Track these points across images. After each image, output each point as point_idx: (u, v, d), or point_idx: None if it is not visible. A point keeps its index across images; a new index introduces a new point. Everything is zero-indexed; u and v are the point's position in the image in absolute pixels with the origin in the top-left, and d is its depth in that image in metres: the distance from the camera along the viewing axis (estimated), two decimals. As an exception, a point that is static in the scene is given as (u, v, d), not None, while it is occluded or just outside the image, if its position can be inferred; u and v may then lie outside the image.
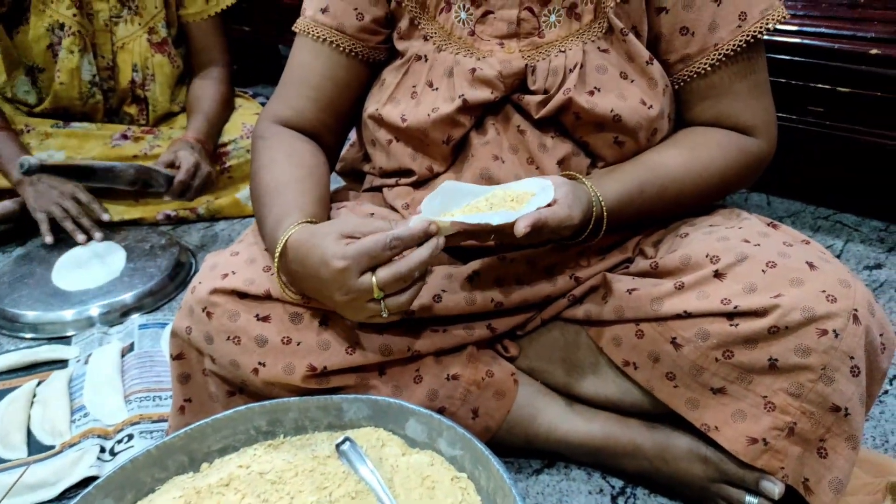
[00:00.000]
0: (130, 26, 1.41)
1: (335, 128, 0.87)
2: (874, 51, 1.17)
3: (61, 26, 1.35)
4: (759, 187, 1.52)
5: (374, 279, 0.62)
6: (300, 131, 0.84)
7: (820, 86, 1.23)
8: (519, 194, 0.67)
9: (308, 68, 0.83)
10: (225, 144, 1.46)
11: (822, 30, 1.23)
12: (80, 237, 1.27)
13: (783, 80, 1.25)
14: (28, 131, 1.42)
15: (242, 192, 1.47)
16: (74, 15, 1.35)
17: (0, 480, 0.81)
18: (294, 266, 0.68)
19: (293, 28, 0.84)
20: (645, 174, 0.75)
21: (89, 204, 1.32)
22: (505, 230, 0.65)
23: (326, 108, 0.84)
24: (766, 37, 0.75)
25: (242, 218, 1.48)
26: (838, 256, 1.27)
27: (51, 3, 1.33)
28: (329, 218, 0.80)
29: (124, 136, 1.44)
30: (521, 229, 0.63)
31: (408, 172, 0.83)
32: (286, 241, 0.68)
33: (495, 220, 0.63)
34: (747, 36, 0.73)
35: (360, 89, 0.85)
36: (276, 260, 0.69)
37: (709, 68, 0.75)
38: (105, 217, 1.32)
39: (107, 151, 1.41)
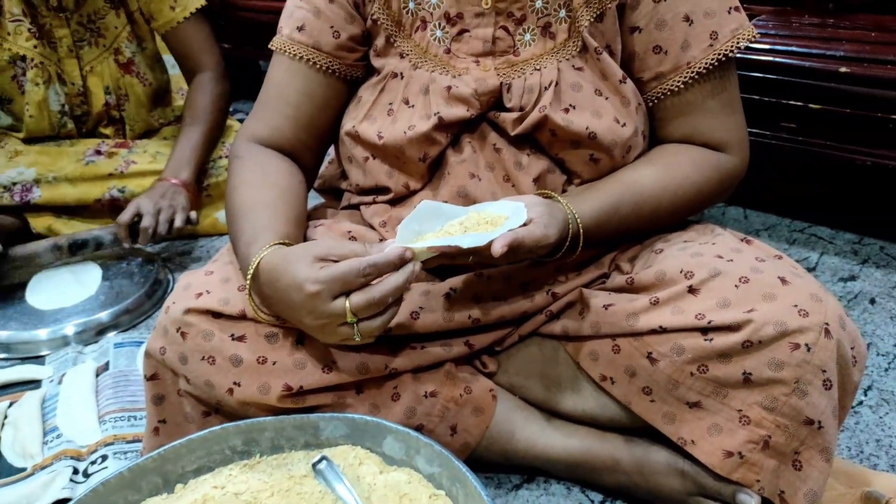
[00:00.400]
0: (95, 49, 1.39)
1: (313, 146, 0.87)
2: (843, 69, 1.19)
3: (23, 58, 1.33)
4: (736, 201, 1.54)
5: (347, 304, 0.62)
6: (278, 150, 0.84)
7: (792, 102, 1.26)
8: (494, 217, 0.67)
9: (285, 86, 0.83)
10: (204, 163, 1.45)
11: (794, 48, 1.26)
12: None
13: (756, 97, 1.28)
14: None
15: (221, 212, 1.46)
16: (35, 46, 1.32)
17: (-32, 505, 0.79)
18: (266, 289, 0.67)
19: (270, 46, 0.84)
20: (621, 192, 0.76)
21: None
22: (481, 251, 0.65)
23: (304, 126, 0.84)
24: (738, 55, 0.77)
25: (220, 235, 1.47)
26: (813, 269, 1.29)
27: (8, 37, 1.31)
28: (305, 238, 0.79)
29: (98, 152, 1.42)
30: (497, 250, 0.63)
31: (384, 190, 0.83)
32: (258, 262, 0.68)
33: (466, 242, 0.63)
34: (719, 55, 0.75)
35: (338, 107, 0.85)
36: (248, 282, 0.69)
37: (682, 86, 0.76)
38: None
39: (80, 169, 1.39)
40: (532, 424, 0.79)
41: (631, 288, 0.75)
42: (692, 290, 0.70)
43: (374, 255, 0.63)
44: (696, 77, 0.76)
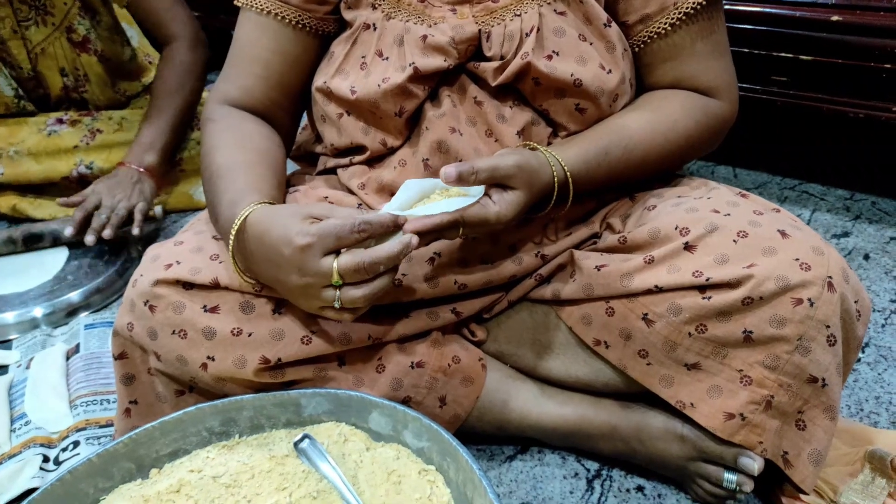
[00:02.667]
0: (44, 28, 1.27)
1: (287, 106, 0.82)
2: (835, 17, 1.16)
3: None
4: (725, 160, 1.51)
5: (335, 263, 0.58)
6: (251, 111, 0.79)
7: (782, 55, 1.22)
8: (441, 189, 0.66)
9: (253, 44, 0.78)
10: (176, 143, 1.36)
11: (783, -3, 1.22)
12: None
13: (745, 50, 1.24)
14: None
15: (194, 187, 1.40)
16: None
17: (-69, 498, 0.75)
18: (251, 245, 0.63)
19: (235, 2, 0.79)
20: (608, 137, 0.72)
21: None
22: (467, 223, 0.63)
23: (276, 85, 0.79)
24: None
25: (194, 211, 1.41)
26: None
27: None
28: (285, 202, 0.75)
29: (60, 121, 1.34)
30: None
31: (360, 149, 0.78)
32: (245, 217, 0.64)
33: (451, 206, 0.61)
34: None
35: (310, 64, 0.80)
36: (231, 239, 0.64)
37: (669, 28, 0.73)
38: None
39: (43, 142, 1.31)
40: (524, 393, 0.76)
41: (624, 247, 0.72)
42: (688, 246, 0.66)
43: (369, 215, 0.59)
44: (684, 18, 0.72)
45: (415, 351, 0.73)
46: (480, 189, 0.64)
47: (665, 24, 0.73)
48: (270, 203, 0.66)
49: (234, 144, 0.74)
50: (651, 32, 0.74)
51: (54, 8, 1.26)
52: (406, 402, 0.73)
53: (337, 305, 0.60)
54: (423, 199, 0.66)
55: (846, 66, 1.17)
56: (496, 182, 0.65)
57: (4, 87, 1.30)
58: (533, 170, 0.66)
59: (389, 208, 0.63)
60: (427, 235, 0.63)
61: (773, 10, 1.21)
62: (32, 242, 1.18)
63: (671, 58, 0.75)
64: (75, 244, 1.20)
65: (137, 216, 1.14)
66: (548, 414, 0.76)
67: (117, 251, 1.20)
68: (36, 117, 1.35)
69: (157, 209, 1.18)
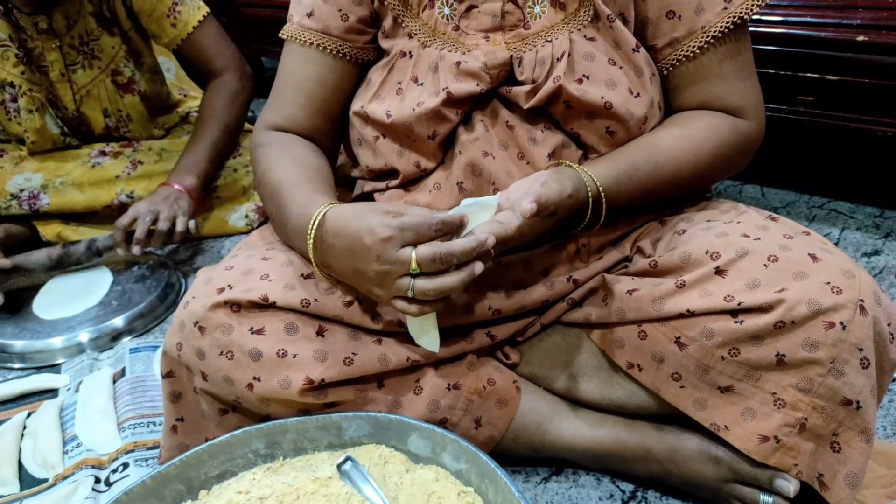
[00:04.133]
0: (90, 71, 1.34)
1: (328, 131, 0.86)
2: (861, 38, 1.16)
3: (11, 84, 1.30)
4: (752, 178, 1.51)
5: (413, 253, 0.62)
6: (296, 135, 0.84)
7: (809, 75, 1.23)
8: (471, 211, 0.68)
9: (297, 73, 0.83)
10: (217, 167, 1.41)
11: (808, 19, 1.23)
12: None
13: (772, 71, 1.25)
14: (1, 155, 1.39)
15: (229, 213, 1.44)
16: (23, 73, 1.29)
17: (-9, 518, 0.78)
18: (330, 238, 0.67)
19: (280, 35, 0.84)
20: (637, 153, 0.74)
21: None
22: (523, 233, 0.66)
23: (318, 112, 0.84)
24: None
25: (228, 236, 1.45)
26: (835, 245, 1.26)
27: None
28: None
29: (103, 153, 1.40)
30: (524, 207, 0.63)
31: (394, 173, 0.81)
32: (324, 213, 0.68)
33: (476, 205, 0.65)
34: (734, 17, 0.73)
35: (350, 91, 0.85)
36: (310, 233, 0.68)
37: (697, 51, 0.75)
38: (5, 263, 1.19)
39: (87, 173, 1.38)
40: (558, 415, 0.78)
41: (655, 271, 0.73)
42: (719, 271, 0.68)
43: (443, 214, 0.63)
44: (712, 41, 0.74)
45: (451, 373, 0.75)
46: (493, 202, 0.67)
47: (693, 47, 0.75)
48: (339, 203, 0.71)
49: (291, 162, 0.79)
50: (679, 55, 0.76)
51: (102, 52, 1.33)
52: (442, 423, 0.75)
53: (410, 294, 0.63)
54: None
55: (872, 85, 1.17)
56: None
57: (52, 126, 1.37)
58: (575, 193, 0.69)
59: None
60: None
61: (799, 32, 1.22)
62: (69, 260, 1.22)
63: (699, 80, 0.77)
64: (121, 266, 1.26)
65: (181, 219, 1.19)
66: (581, 436, 0.77)
67: (159, 277, 1.24)
68: (79, 150, 1.41)
69: (192, 223, 1.22)
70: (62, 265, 1.22)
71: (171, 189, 1.25)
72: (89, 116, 1.39)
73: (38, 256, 1.22)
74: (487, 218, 0.66)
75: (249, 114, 1.83)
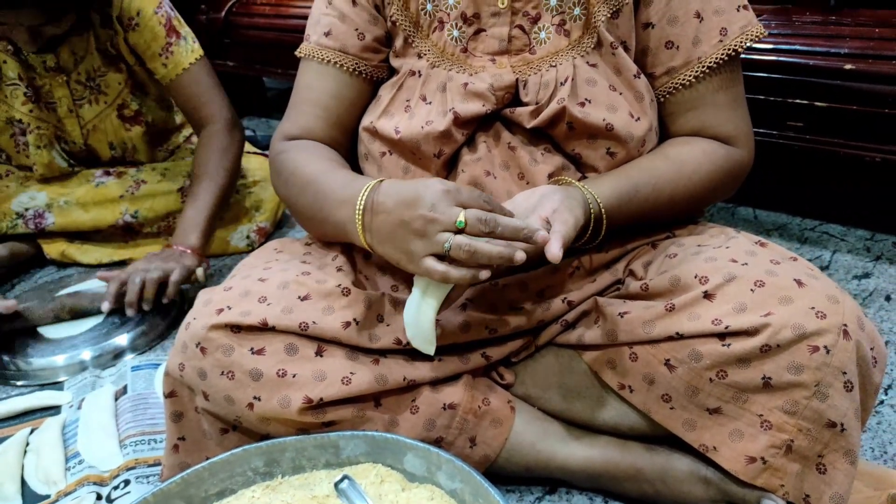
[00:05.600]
0: (96, 106, 1.35)
1: (345, 144, 0.90)
2: (848, 66, 1.19)
3: (19, 121, 1.32)
4: (745, 201, 1.53)
5: (463, 212, 0.64)
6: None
7: (798, 101, 1.26)
8: None
9: (314, 89, 0.87)
10: (215, 220, 1.38)
11: (797, 47, 1.26)
12: None
13: (762, 97, 1.28)
14: (7, 175, 1.41)
15: (232, 234, 1.46)
16: (31, 111, 1.31)
17: (-6, 534, 0.79)
18: (382, 196, 0.69)
19: (297, 53, 0.88)
20: (638, 174, 0.77)
21: None
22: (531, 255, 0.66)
23: (335, 125, 0.87)
24: (743, 55, 0.79)
25: (230, 255, 1.47)
26: (826, 267, 1.28)
27: (5, 99, 1.30)
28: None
29: (107, 173, 1.42)
30: (554, 253, 0.63)
31: None
32: (380, 181, 0.71)
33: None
34: (728, 50, 0.77)
35: (365, 107, 0.88)
36: (363, 195, 0.71)
37: (693, 80, 0.78)
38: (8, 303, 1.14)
39: (91, 192, 1.40)
40: (552, 435, 0.79)
41: (646, 294, 0.75)
42: (707, 295, 0.70)
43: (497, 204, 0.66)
44: (707, 71, 0.78)
45: (447, 393, 0.77)
46: None
47: (690, 76, 0.78)
48: None
49: (318, 157, 0.83)
50: (676, 84, 0.79)
51: (108, 88, 1.35)
52: (438, 442, 0.76)
53: (447, 248, 0.64)
54: None
55: (860, 112, 1.20)
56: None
57: (59, 160, 1.39)
58: (580, 214, 0.71)
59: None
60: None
61: (789, 59, 1.25)
62: (78, 315, 1.20)
63: (694, 108, 0.80)
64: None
65: (171, 284, 1.15)
66: (574, 456, 0.79)
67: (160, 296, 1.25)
68: (84, 171, 1.43)
69: (199, 271, 1.20)
70: (62, 320, 1.19)
71: (174, 250, 1.22)
72: (96, 149, 1.41)
73: (43, 313, 1.18)
74: None
75: (249, 133, 1.84)
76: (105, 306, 1.16)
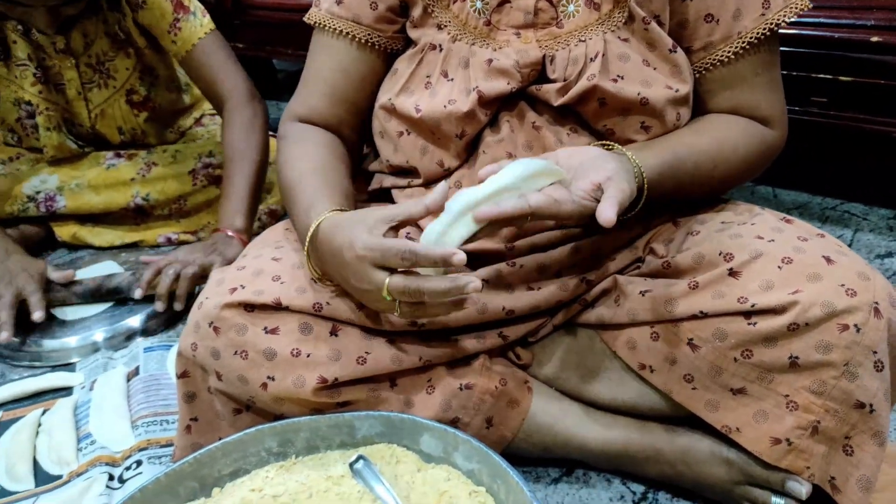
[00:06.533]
0: (105, 90, 1.34)
1: (353, 122, 0.86)
2: (875, 38, 1.15)
3: (28, 102, 1.31)
4: (764, 180, 1.50)
5: (387, 280, 0.62)
6: (320, 127, 0.85)
7: (822, 76, 1.22)
8: (538, 172, 0.65)
9: (323, 64, 0.84)
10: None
11: (821, 19, 1.22)
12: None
13: (784, 72, 1.23)
14: (18, 157, 1.40)
15: None
16: (40, 92, 1.30)
17: (8, 514, 0.79)
18: (323, 248, 0.68)
19: (306, 19, 0.84)
20: (680, 149, 0.74)
21: (31, 305, 1.10)
22: (537, 214, 0.63)
23: (342, 102, 0.84)
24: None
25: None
26: (848, 246, 1.25)
27: (14, 79, 1.29)
28: (355, 208, 0.78)
29: (118, 155, 1.41)
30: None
31: (415, 172, 0.81)
32: (318, 224, 0.69)
33: (516, 172, 0.63)
34: (770, 24, 0.73)
35: (375, 82, 0.84)
36: (307, 243, 0.70)
37: (732, 56, 0.75)
38: (37, 316, 1.09)
39: (102, 175, 1.39)
40: (570, 416, 0.78)
41: (667, 272, 0.73)
42: (732, 272, 0.67)
43: (416, 245, 0.61)
44: (747, 47, 0.74)
45: (463, 373, 0.76)
46: (533, 167, 0.64)
47: (729, 52, 0.74)
48: (340, 210, 0.71)
49: (304, 158, 0.80)
50: (714, 59, 0.76)
51: (117, 72, 1.33)
52: (454, 422, 0.75)
53: (397, 314, 0.63)
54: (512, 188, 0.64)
55: (886, 86, 1.16)
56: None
57: (68, 142, 1.39)
58: (631, 184, 0.67)
59: (460, 199, 0.63)
60: (495, 224, 0.64)
61: (812, 33, 1.22)
62: (109, 295, 1.19)
63: (732, 86, 0.77)
64: (135, 266, 1.26)
65: (218, 264, 1.12)
66: (593, 437, 0.77)
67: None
68: (96, 153, 1.42)
69: None
70: (94, 300, 1.19)
71: (222, 235, 1.20)
72: (105, 133, 1.40)
73: (80, 289, 1.18)
74: (544, 185, 0.65)
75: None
76: (137, 293, 1.14)
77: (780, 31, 1.23)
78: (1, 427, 0.93)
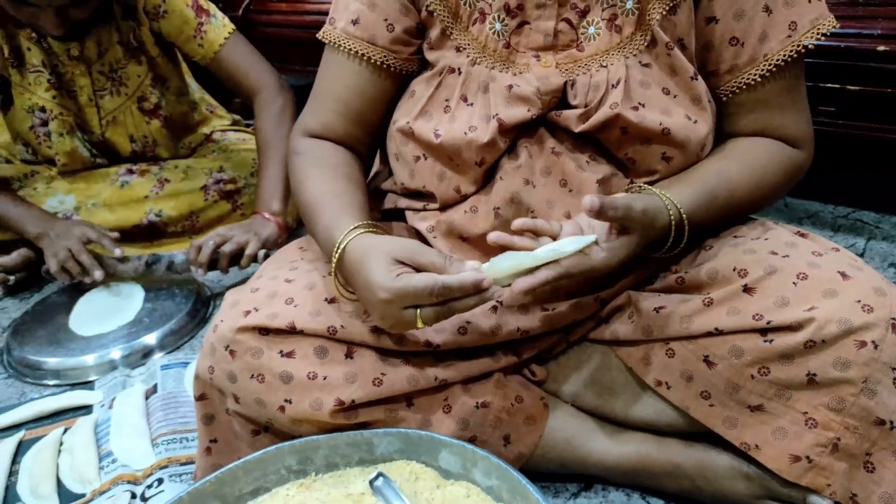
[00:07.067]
0: (117, 98, 1.37)
1: (364, 140, 0.87)
2: (881, 47, 1.16)
3: (42, 108, 1.33)
4: (774, 190, 1.50)
5: (418, 312, 0.64)
6: (332, 141, 0.85)
7: (830, 85, 1.22)
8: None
9: (337, 82, 0.83)
10: (235, 182, 1.45)
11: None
12: (87, 279, 1.22)
13: (793, 82, 1.24)
14: (32, 175, 1.42)
15: None
16: (54, 97, 1.32)
17: (32, 533, 0.80)
18: (348, 271, 0.70)
19: (320, 37, 0.83)
20: (714, 180, 0.73)
21: (99, 240, 1.23)
22: (572, 274, 0.64)
23: (355, 122, 0.84)
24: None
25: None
26: (861, 255, 1.25)
27: (28, 86, 1.31)
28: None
29: (130, 171, 1.43)
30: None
31: (429, 196, 0.81)
32: (343, 247, 0.70)
33: (542, 256, 0.64)
34: (797, 46, 0.72)
35: (389, 102, 0.84)
36: (333, 262, 0.71)
37: (759, 79, 0.74)
38: (117, 252, 1.24)
39: (117, 193, 1.41)
40: (586, 432, 0.78)
41: (681, 287, 0.74)
42: (747, 289, 0.68)
43: (450, 278, 0.62)
44: (774, 70, 0.73)
45: (479, 392, 0.76)
46: (590, 238, 0.65)
47: (755, 75, 0.73)
48: (364, 226, 0.71)
49: (321, 175, 0.80)
50: (741, 83, 0.74)
51: (129, 80, 1.36)
52: (472, 441, 0.75)
53: (420, 326, 0.65)
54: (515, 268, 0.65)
55: (894, 95, 1.17)
56: (623, 223, 0.66)
57: (81, 148, 1.40)
58: (653, 214, 0.68)
59: (501, 264, 0.65)
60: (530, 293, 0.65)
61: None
62: (154, 265, 1.27)
63: (759, 108, 0.76)
64: (150, 287, 1.28)
65: (253, 242, 1.20)
66: (609, 452, 0.77)
67: (188, 294, 1.26)
68: (108, 169, 1.44)
69: (261, 253, 1.22)
70: (143, 279, 1.27)
71: (258, 217, 1.26)
72: (115, 142, 1.42)
73: (127, 268, 1.26)
74: (575, 249, 0.65)
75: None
76: (198, 273, 1.22)
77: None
78: (23, 446, 0.94)
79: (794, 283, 0.66)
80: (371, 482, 0.69)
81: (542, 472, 0.79)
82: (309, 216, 0.78)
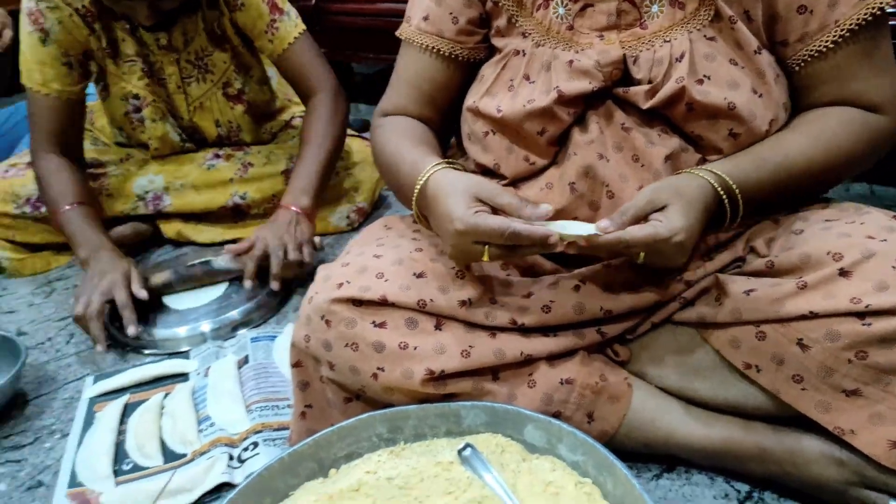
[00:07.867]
0: (203, 84, 1.43)
1: (437, 121, 0.93)
2: None
3: (136, 96, 1.41)
4: (861, 177, 1.45)
5: (486, 248, 0.69)
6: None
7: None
8: None
9: (411, 71, 0.91)
10: (325, 185, 1.44)
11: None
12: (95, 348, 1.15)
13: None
14: (128, 158, 1.51)
15: (331, 214, 1.52)
16: (147, 85, 1.39)
17: (142, 486, 0.86)
18: (428, 202, 0.76)
19: (398, 34, 0.91)
20: (762, 148, 0.74)
21: (121, 309, 1.16)
22: (640, 241, 0.68)
23: (428, 104, 0.91)
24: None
25: (332, 234, 1.53)
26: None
27: (123, 75, 1.38)
28: None
29: (217, 156, 1.50)
30: (602, 225, 0.68)
31: (502, 178, 0.84)
32: (427, 178, 0.76)
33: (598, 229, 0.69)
34: (871, 9, 0.70)
35: (459, 88, 0.90)
36: (416, 192, 0.77)
37: (831, 45, 0.72)
38: (131, 330, 1.16)
39: (203, 175, 1.48)
40: (671, 413, 0.78)
41: (771, 272, 0.73)
42: (843, 272, 0.67)
43: (521, 227, 0.67)
44: (847, 35, 0.71)
45: (564, 368, 0.77)
46: (590, 227, 0.70)
47: (827, 41, 0.72)
48: (446, 162, 0.77)
49: (402, 134, 0.88)
50: (811, 51, 0.74)
51: (214, 67, 1.42)
52: (556, 416, 0.77)
53: (486, 259, 0.70)
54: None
55: None
56: (647, 213, 0.70)
57: (172, 133, 1.48)
58: (678, 184, 0.70)
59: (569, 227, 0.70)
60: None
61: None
62: (211, 277, 1.32)
63: (833, 78, 0.74)
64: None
65: (307, 248, 1.25)
66: (694, 434, 0.78)
67: (268, 274, 1.32)
68: (196, 154, 1.52)
69: (317, 239, 1.30)
70: (182, 285, 1.31)
71: (289, 212, 1.28)
72: (202, 126, 1.49)
73: (163, 277, 1.29)
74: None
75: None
76: (248, 284, 1.24)
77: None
78: (128, 409, 1.02)
79: (893, 266, 0.65)
80: (459, 452, 0.71)
81: (625, 451, 0.80)
82: (392, 166, 0.85)
